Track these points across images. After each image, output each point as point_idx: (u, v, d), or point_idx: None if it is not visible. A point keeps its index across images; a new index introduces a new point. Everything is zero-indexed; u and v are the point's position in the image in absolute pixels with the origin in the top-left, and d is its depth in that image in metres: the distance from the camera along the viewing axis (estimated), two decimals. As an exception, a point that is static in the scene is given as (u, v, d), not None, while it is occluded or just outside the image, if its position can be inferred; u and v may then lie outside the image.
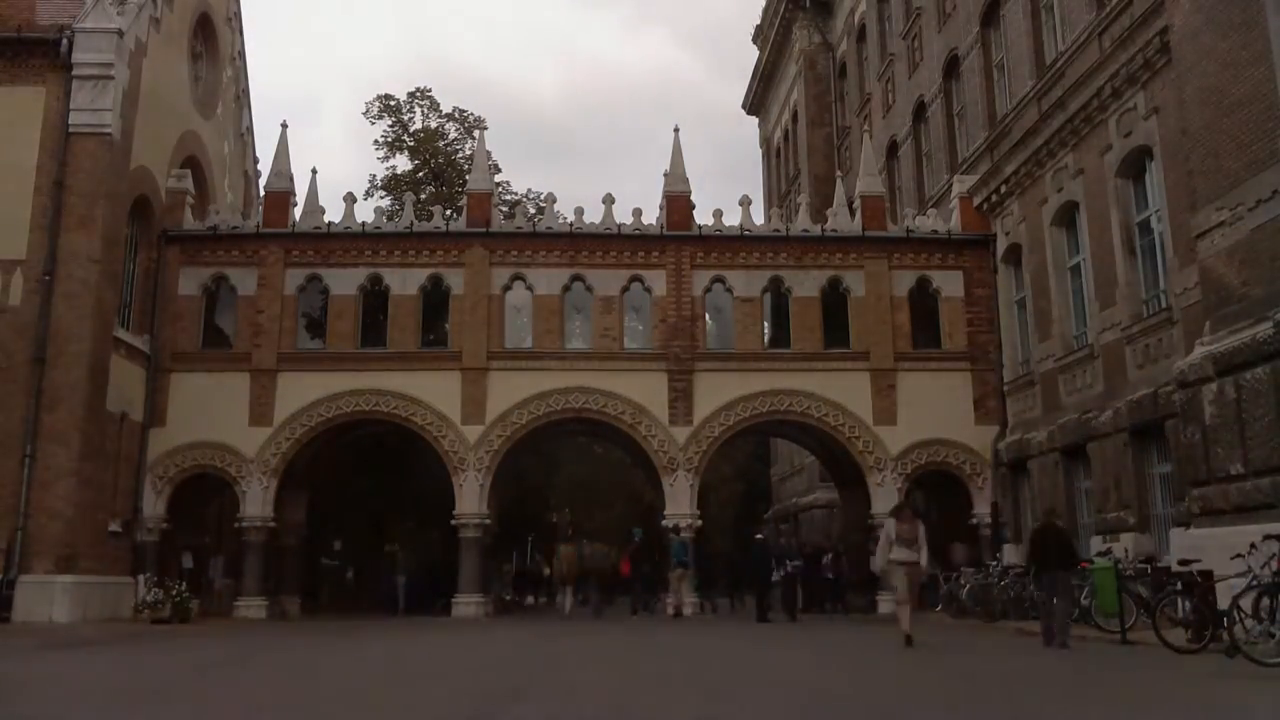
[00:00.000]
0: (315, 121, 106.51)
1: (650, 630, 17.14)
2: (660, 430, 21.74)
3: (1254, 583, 9.81)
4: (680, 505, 21.56)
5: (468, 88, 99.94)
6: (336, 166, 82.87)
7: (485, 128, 33.57)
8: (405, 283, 22.22)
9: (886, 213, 23.42)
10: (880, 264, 22.51)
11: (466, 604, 21.24)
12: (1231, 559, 10.23)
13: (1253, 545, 10.06)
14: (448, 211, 24.52)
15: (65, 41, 19.31)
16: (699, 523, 22.08)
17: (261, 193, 24.63)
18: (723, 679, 9.15)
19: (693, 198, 22.92)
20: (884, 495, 21.61)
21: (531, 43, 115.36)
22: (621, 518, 46.14)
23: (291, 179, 23.00)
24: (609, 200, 22.89)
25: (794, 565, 22.01)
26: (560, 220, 22.93)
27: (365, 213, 25.70)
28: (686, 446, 21.70)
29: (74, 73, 19.33)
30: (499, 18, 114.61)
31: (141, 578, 19.63)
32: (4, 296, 18.66)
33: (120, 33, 19.71)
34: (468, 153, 32.82)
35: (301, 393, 21.53)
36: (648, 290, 22.49)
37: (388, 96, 34.50)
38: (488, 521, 21.81)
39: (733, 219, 22.89)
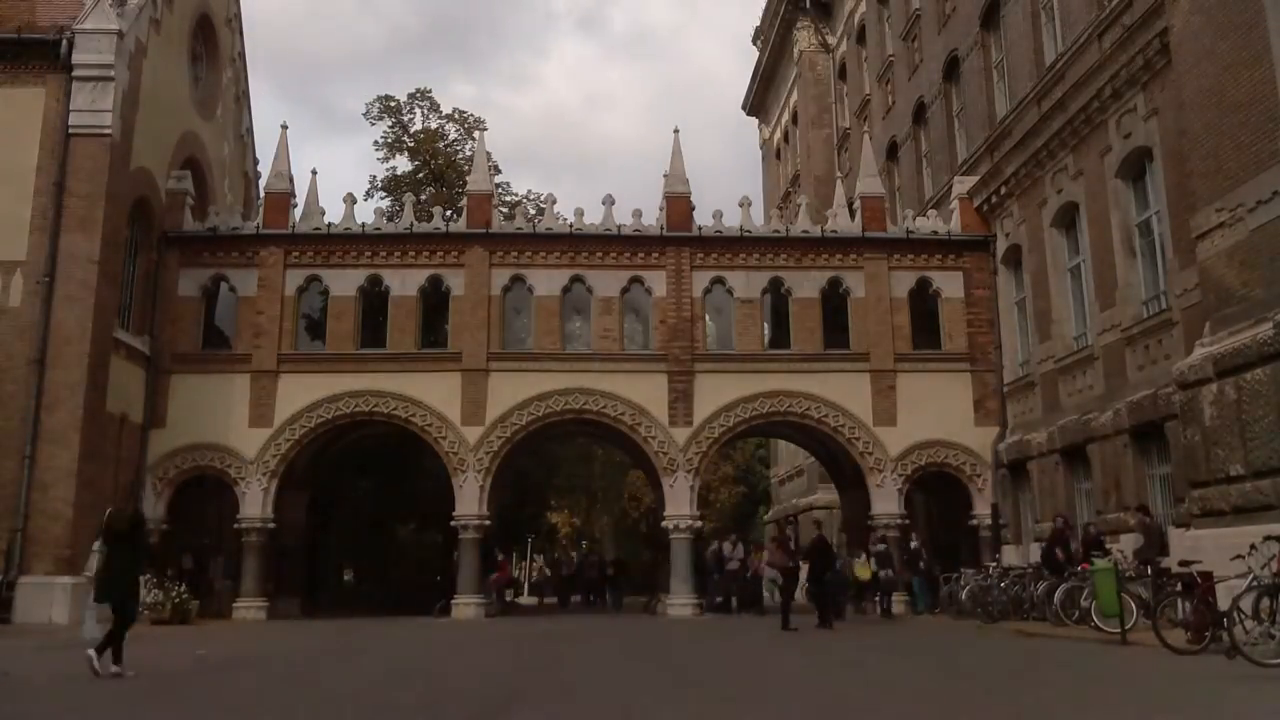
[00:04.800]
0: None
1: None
2: (660, 431, 21.74)
3: (1254, 584, 9.81)
4: (680, 507, 21.54)
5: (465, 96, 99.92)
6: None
7: (485, 129, 33.63)
8: (405, 284, 22.21)
9: (886, 214, 23.42)
10: (880, 265, 22.52)
11: (466, 605, 21.24)
12: (1231, 560, 10.22)
13: (1253, 546, 10.05)
14: (448, 212, 24.51)
15: (65, 42, 19.31)
16: (699, 524, 22.08)
17: (261, 194, 24.63)
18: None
19: (692, 199, 22.95)
20: (884, 496, 21.65)
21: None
22: (622, 518, 46.22)
23: (291, 180, 22.98)
24: (609, 201, 22.89)
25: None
26: (560, 221, 22.93)
27: (365, 214, 25.71)
28: (686, 448, 21.70)
29: (74, 74, 19.33)
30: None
31: (141, 579, 19.57)
32: (4, 298, 18.67)
33: (120, 34, 19.71)
34: (468, 154, 32.82)
35: (301, 394, 21.53)
36: (648, 291, 22.49)
37: (387, 97, 34.50)
38: (488, 522, 21.81)
39: (733, 220, 22.92)
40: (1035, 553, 19.24)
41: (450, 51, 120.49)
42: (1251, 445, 11.99)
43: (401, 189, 32.14)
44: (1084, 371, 18.71)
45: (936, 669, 10.55)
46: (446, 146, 34.68)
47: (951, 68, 25.42)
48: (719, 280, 22.54)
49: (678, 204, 22.76)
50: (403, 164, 34.60)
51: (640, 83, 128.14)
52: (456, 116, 35.05)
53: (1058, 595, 15.20)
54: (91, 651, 9.10)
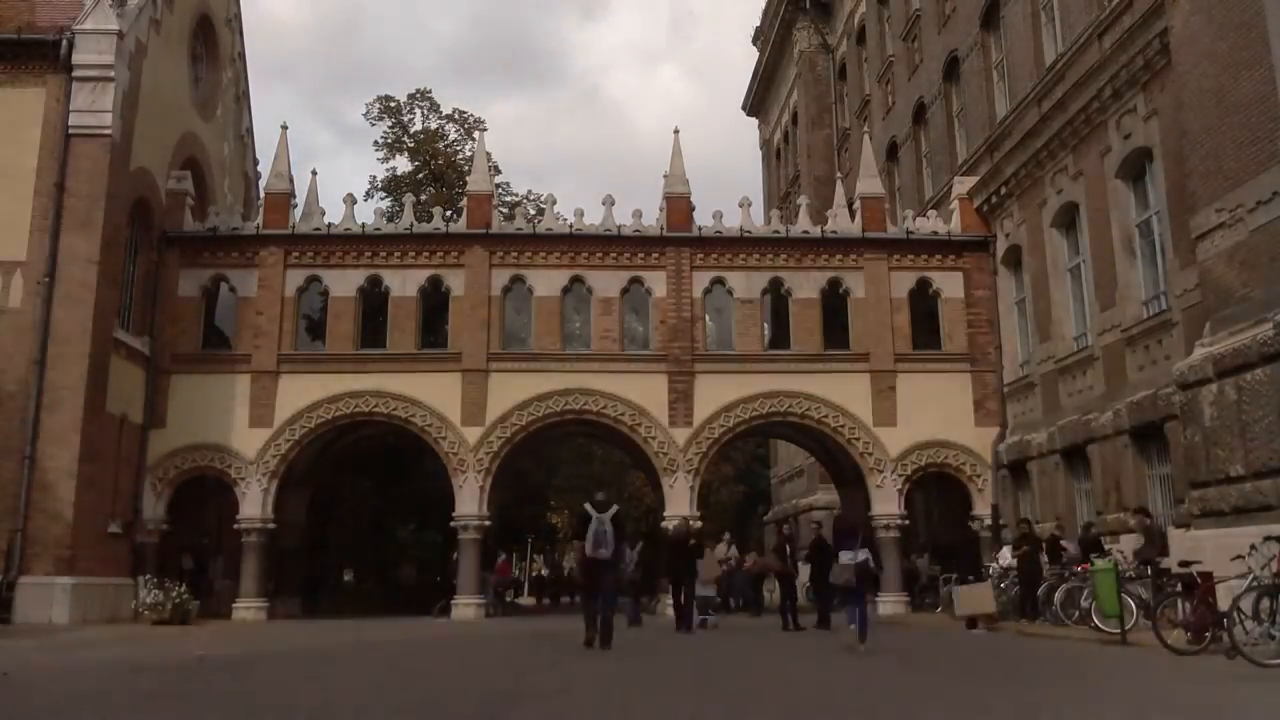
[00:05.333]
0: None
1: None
2: (660, 432, 21.74)
3: (1254, 584, 9.82)
4: (680, 507, 21.54)
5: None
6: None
7: (485, 129, 33.64)
8: (405, 284, 22.22)
9: (886, 214, 23.42)
10: (880, 265, 22.52)
11: (466, 605, 21.25)
12: (1231, 560, 10.23)
13: (1253, 547, 10.07)
14: (448, 213, 24.51)
15: (65, 43, 19.31)
16: (699, 524, 22.08)
17: (261, 194, 24.64)
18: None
19: (692, 199, 22.95)
20: (884, 496, 21.65)
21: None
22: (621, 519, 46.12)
23: (291, 180, 23.00)
24: (609, 201, 22.90)
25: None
26: (560, 221, 22.94)
27: (365, 214, 25.74)
28: (686, 448, 21.70)
29: (74, 74, 19.33)
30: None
31: (141, 579, 19.63)
32: (4, 298, 18.67)
33: (120, 34, 19.71)
34: (468, 154, 32.83)
35: (301, 394, 21.54)
36: (648, 292, 22.50)
37: (388, 98, 34.57)
38: (488, 523, 21.81)
39: (733, 220, 22.92)
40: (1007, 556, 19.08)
41: (480, 62, 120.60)
42: (1251, 446, 11.99)
43: (401, 189, 32.16)
44: (1084, 372, 18.71)
45: (938, 669, 10.55)
46: (446, 147, 34.71)
47: (951, 68, 25.42)
48: (719, 280, 22.54)
49: (678, 204, 22.76)
50: (403, 164, 34.66)
51: (677, 88, 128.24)
52: (456, 117, 35.10)
53: (1058, 596, 15.21)
54: None
